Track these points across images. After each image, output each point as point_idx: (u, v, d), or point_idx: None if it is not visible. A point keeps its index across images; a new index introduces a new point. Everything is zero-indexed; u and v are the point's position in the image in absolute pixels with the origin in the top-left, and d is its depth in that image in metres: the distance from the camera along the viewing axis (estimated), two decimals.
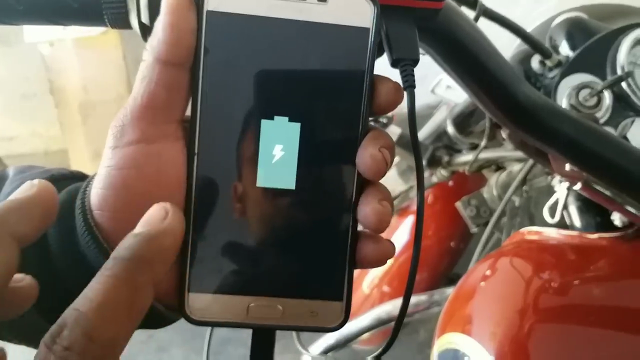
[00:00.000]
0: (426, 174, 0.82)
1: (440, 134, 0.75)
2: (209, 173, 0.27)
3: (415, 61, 0.28)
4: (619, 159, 0.41)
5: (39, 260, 0.27)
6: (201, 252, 0.27)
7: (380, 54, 0.31)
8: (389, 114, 0.78)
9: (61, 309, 0.26)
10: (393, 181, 1.01)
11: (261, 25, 0.26)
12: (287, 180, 0.27)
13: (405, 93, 0.28)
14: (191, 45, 0.26)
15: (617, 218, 0.53)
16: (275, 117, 0.27)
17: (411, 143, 0.28)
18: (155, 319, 0.28)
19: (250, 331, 0.29)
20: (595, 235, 0.56)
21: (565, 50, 0.53)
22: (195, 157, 0.27)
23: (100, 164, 0.27)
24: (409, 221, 1.02)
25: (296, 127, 0.27)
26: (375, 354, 0.31)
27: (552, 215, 0.52)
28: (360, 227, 0.28)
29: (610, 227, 0.56)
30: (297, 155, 0.27)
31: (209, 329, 0.55)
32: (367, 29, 0.27)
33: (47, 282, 0.26)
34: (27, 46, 1.39)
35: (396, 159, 0.91)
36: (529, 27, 0.68)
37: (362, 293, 1.10)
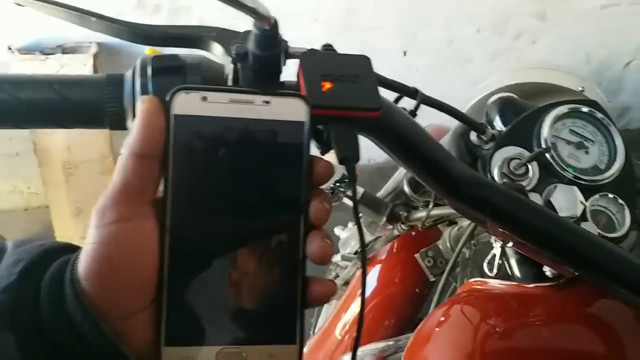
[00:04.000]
0: (386, 230, 0.89)
1: (398, 193, 0.82)
2: (179, 244, 0.32)
3: (356, 158, 0.36)
4: (540, 223, 0.47)
5: (33, 324, 0.30)
6: (174, 311, 0.32)
7: (329, 149, 0.39)
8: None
9: None
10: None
11: (218, 124, 0.32)
12: (245, 243, 0.33)
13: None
14: (160, 142, 0.31)
15: (547, 269, 0.60)
16: (232, 195, 0.33)
17: (356, 226, 0.35)
18: None
19: None
20: (532, 285, 0.62)
21: (499, 124, 0.60)
22: (167, 232, 0.32)
23: (85, 240, 0.31)
24: (376, 270, 1.08)
25: (251, 203, 0.33)
26: None
27: (491, 270, 0.59)
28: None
29: (546, 277, 0.63)
30: (254, 222, 0.33)
31: None
32: (303, 122, 0.33)
33: (40, 343, 0.30)
34: None
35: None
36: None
37: (335, 339, 1.14)
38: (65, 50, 1.50)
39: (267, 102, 0.33)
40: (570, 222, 0.49)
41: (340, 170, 0.81)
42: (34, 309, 0.31)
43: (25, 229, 1.92)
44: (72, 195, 1.57)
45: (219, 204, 0.32)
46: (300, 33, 1.61)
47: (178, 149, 0.32)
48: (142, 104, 0.32)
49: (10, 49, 1.50)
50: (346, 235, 1.20)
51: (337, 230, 1.28)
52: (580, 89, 0.70)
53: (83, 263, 0.31)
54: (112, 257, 0.31)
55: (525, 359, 0.57)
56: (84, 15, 0.40)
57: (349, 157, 0.35)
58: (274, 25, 0.35)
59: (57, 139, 1.54)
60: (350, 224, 1.20)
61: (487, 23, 1.98)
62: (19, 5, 0.40)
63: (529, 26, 2.02)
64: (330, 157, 0.38)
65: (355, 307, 1.14)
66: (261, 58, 0.36)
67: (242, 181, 0.33)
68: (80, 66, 1.46)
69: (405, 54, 1.87)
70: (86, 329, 0.30)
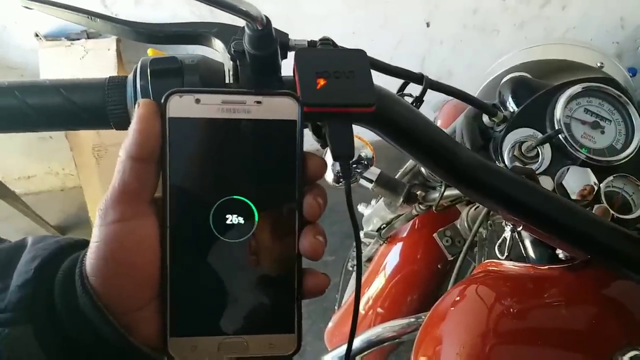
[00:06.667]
0: (407, 209, 0.89)
1: (415, 173, 0.82)
2: (179, 240, 0.33)
3: (350, 156, 0.36)
4: (547, 209, 0.47)
5: (48, 318, 0.33)
6: (177, 304, 0.33)
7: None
8: (370, 155, 0.86)
9: (66, 355, 0.34)
10: (383, 211, 1.08)
11: (212, 124, 0.33)
12: (242, 239, 0.34)
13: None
14: (155, 146, 0.32)
15: (560, 252, 0.60)
16: (230, 196, 0.34)
17: (351, 221, 0.36)
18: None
19: None
20: (546, 267, 0.62)
21: (512, 105, 0.59)
22: (167, 228, 0.33)
23: (91, 239, 0.33)
24: (398, 247, 1.10)
25: (247, 201, 0.34)
26: None
27: (502, 253, 0.59)
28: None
29: (560, 259, 0.63)
30: (249, 219, 0.34)
31: None
32: (294, 120, 0.34)
33: (56, 335, 0.33)
34: None
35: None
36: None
37: (359, 314, 1.17)
38: (89, 35, 1.53)
39: (259, 102, 0.33)
40: (578, 206, 0.48)
41: (356, 152, 0.81)
42: (49, 304, 0.33)
43: (61, 209, 2.00)
44: (103, 177, 1.62)
45: (216, 202, 0.34)
46: (320, 7, 1.59)
47: (174, 151, 0.33)
48: (139, 109, 0.33)
49: (37, 35, 1.53)
50: (369, 213, 1.20)
51: (361, 208, 1.29)
52: (599, 64, 0.68)
53: (89, 260, 0.33)
54: (115, 254, 0.32)
55: (539, 339, 0.57)
56: (88, 17, 0.41)
57: (342, 154, 0.36)
58: (267, 25, 0.35)
59: None
60: (374, 201, 1.20)
61: None
62: (27, 7, 0.41)
63: None
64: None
65: (377, 283, 1.15)
66: (257, 57, 0.37)
67: (238, 179, 0.34)
68: (104, 50, 1.49)
69: (428, 26, 1.83)
70: (97, 323, 0.32)
